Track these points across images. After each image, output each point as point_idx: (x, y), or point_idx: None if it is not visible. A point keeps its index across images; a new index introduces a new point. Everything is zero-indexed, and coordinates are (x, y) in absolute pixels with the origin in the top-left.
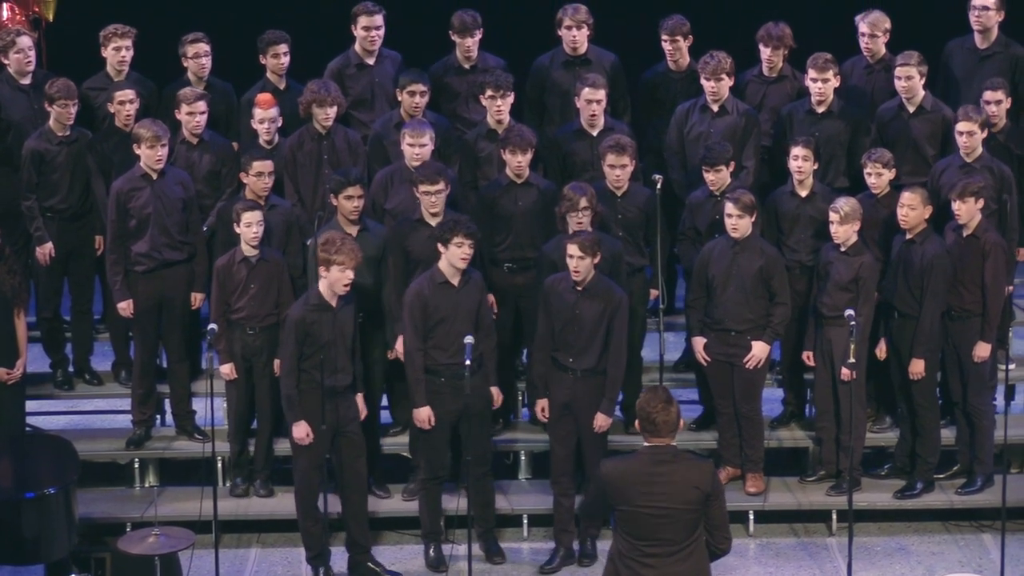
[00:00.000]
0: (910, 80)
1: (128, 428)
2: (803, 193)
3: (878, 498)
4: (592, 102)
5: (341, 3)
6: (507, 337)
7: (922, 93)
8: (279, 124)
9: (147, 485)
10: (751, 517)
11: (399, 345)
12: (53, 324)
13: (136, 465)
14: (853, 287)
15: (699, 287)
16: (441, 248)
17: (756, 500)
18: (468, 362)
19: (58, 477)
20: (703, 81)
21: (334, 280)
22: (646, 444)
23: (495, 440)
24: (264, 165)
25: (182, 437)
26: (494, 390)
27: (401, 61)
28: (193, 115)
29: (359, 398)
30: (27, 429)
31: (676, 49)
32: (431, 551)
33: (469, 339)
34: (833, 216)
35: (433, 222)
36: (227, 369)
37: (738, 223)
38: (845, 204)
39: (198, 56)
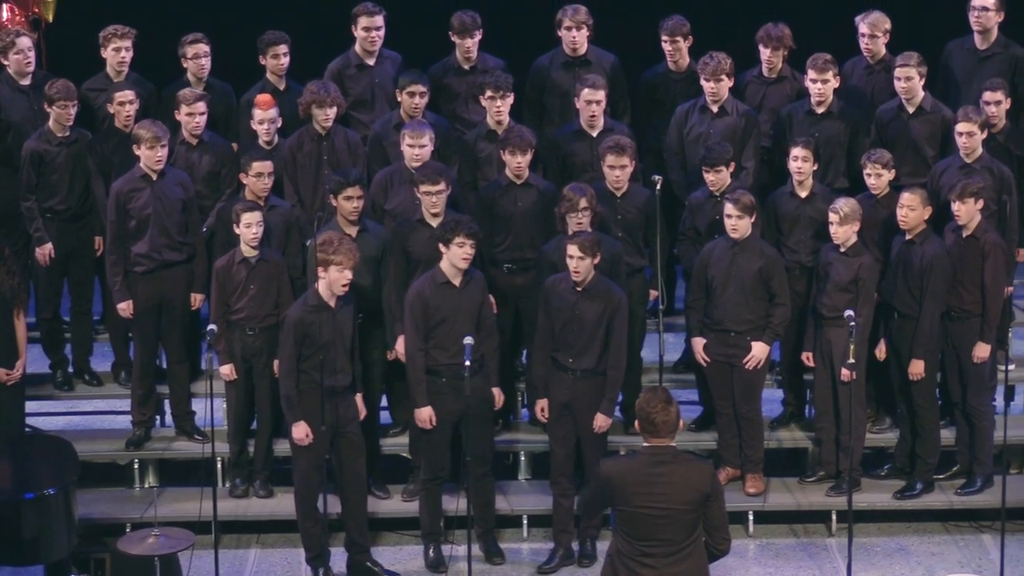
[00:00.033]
0: (910, 81)
1: (128, 429)
2: (803, 194)
3: (878, 499)
4: (592, 103)
5: (341, 4)
6: (507, 338)
7: (922, 94)
8: (279, 125)
9: (147, 486)
10: (751, 518)
11: (399, 346)
12: (53, 325)
13: (136, 466)
14: (853, 288)
15: (699, 288)
16: (443, 248)
17: (756, 501)
18: (468, 363)
19: (58, 478)
20: (703, 82)
21: (332, 280)
22: (645, 444)
23: (495, 440)
24: (264, 166)
25: (182, 438)
26: (496, 391)
27: (401, 62)
28: (193, 116)
29: (358, 398)
30: (27, 430)
31: (676, 50)
32: (431, 552)
33: (469, 340)
34: (833, 217)
35: (434, 223)
36: (227, 370)
37: (738, 224)
38: (845, 205)
39: (197, 57)
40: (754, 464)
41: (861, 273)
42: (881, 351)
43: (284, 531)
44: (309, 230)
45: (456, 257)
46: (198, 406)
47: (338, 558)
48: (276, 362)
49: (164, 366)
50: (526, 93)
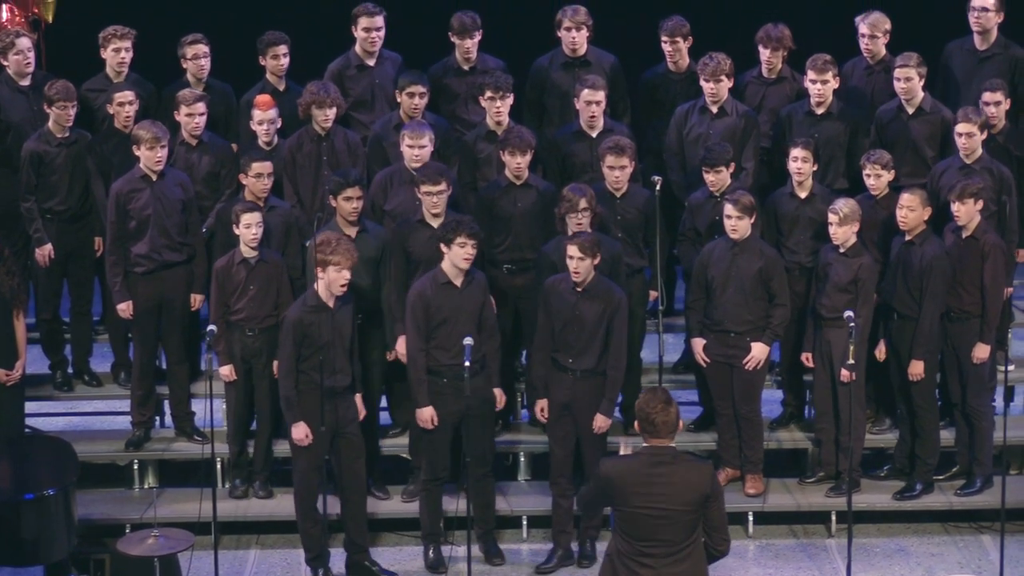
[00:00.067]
0: (909, 81)
1: (127, 429)
2: (802, 194)
3: (877, 499)
4: (591, 103)
5: (341, 4)
6: (506, 338)
7: (921, 94)
8: (278, 125)
9: (146, 486)
10: (750, 518)
11: (399, 346)
12: (52, 325)
13: (135, 466)
14: (852, 288)
15: (698, 288)
16: (444, 248)
17: (755, 501)
18: (468, 363)
19: (57, 478)
20: (702, 82)
21: (331, 280)
22: (645, 445)
23: (495, 441)
24: (263, 166)
25: (181, 438)
26: (497, 391)
27: (401, 62)
28: (192, 116)
29: (358, 399)
30: (26, 430)
31: (676, 50)
32: (430, 552)
33: (468, 340)
34: (832, 217)
35: (434, 223)
36: (226, 370)
37: (737, 224)
38: (844, 205)
39: (197, 57)
40: (754, 465)
41: (860, 274)
42: (881, 352)
43: (284, 532)
44: (309, 231)
45: (458, 257)
46: (198, 407)
47: (337, 559)
48: (276, 363)
49: (164, 367)
50: (526, 94)
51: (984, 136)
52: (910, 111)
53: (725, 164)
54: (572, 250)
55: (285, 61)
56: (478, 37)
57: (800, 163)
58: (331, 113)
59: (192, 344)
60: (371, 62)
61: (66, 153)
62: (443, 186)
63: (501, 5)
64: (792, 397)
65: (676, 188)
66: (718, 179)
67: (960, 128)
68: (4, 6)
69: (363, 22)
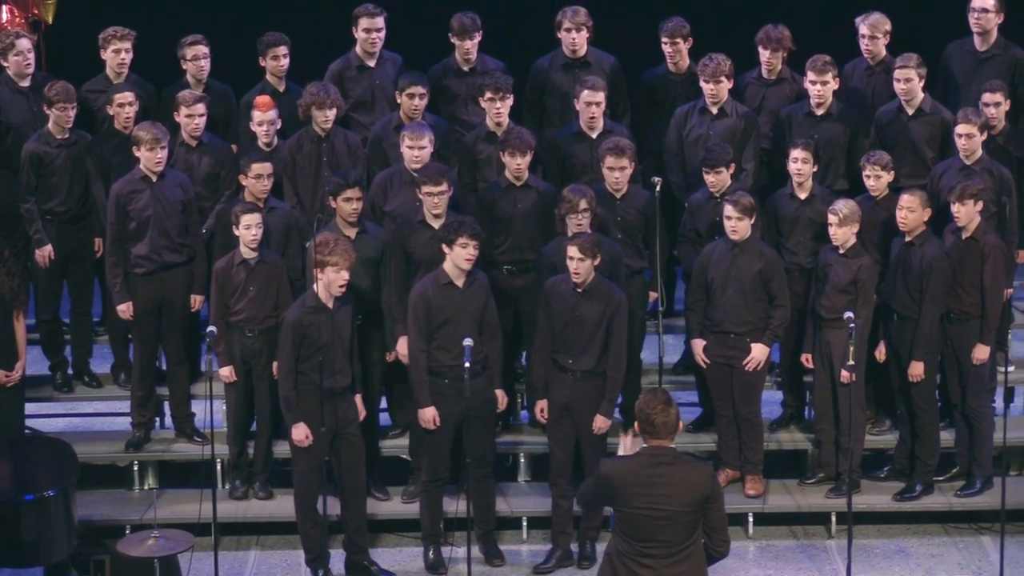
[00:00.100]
0: (909, 82)
1: (127, 430)
2: (802, 195)
3: (877, 500)
4: (591, 104)
5: (341, 5)
6: (506, 339)
7: (921, 95)
8: (278, 126)
9: (146, 487)
10: (750, 519)
11: (400, 347)
12: (52, 326)
13: (135, 467)
14: (852, 289)
15: (698, 289)
16: (446, 249)
17: (755, 502)
18: (468, 364)
19: (57, 479)
20: (702, 83)
21: (329, 281)
22: (644, 446)
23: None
24: (263, 167)
25: (181, 439)
26: (499, 392)
27: (402, 63)
28: (192, 117)
29: (358, 399)
30: (26, 431)
31: (676, 51)
32: (430, 553)
33: (468, 341)
34: (832, 218)
35: (435, 224)
36: (226, 371)
37: (737, 225)
38: (844, 206)
39: (197, 58)
40: (754, 466)
41: (860, 275)
42: (881, 353)
43: (284, 533)
44: (309, 232)
45: (459, 258)
46: (198, 408)
47: (337, 559)
48: (275, 364)
49: (164, 368)
50: (526, 95)
51: (984, 137)
52: (910, 112)
53: (725, 165)
54: (572, 251)
55: (285, 62)
56: (478, 38)
57: (800, 164)
58: (331, 114)
59: (192, 345)
60: (371, 63)
61: (66, 154)
62: (444, 187)
63: (501, 6)
64: (792, 398)
65: (676, 189)
66: (718, 180)
67: (960, 129)
68: (4, 7)
69: (364, 23)
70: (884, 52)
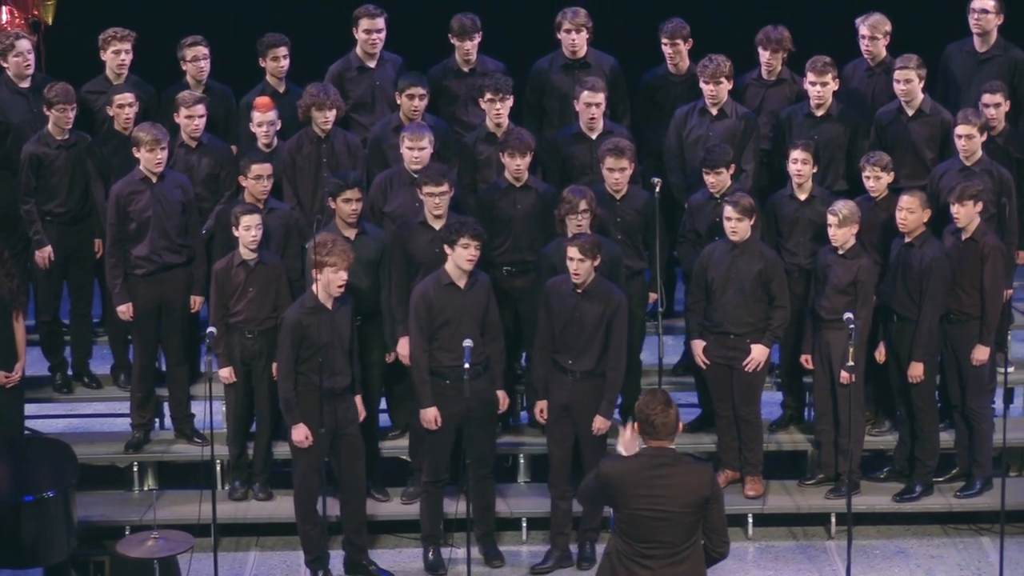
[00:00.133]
0: (909, 83)
1: (127, 431)
2: (802, 196)
3: (877, 501)
4: (591, 105)
5: (341, 6)
6: (506, 340)
7: (921, 96)
8: (278, 127)
9: (146, 488)
10: (750, 520)
11: (400, 348)
12: (52, 327)
13: (135, 468)
14: (851, 290)
15: (698, 290)
16: (447, 249)
17: (755, 503)
18: (467, 365)
19: (57, 480)
20: (702, 84)
21: (327, 282)
22: (644, 447)
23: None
24: (263, 168)
25: (181, 440)
26: (500, 393)
27: (402, 64)
28: (192, 118)
29: (358, 400)
30: (26, 432)
31: (676, 53)
32: (430, 554)
33: (468, 342)
34: (831, 219)
35: (436, 225)
36: (226, 372)
37: (737, 226)
38: (843, 207)
39: (197, 59)
40: (753, 467)
41: (860, 275)
42: (880, 354)
43: (283, 534)
44: (308, 233)
45: (461, 258)
46: (197, 409)
47: (337, 560)
48: (275, 365)
49: (163, 369)
50: (525, 96)
51: (984, 138)
52: (910, 113)
53: (725, 165)
54: (572, 252)
55: (285, 63)
56: (478, 39)
57: (800, 165)
58: (331, 115)
59: (192, 346)
60: (372, 64)
61: (66, 155)
62: (445, 187)
63: (501, 7)
64: (792, 399)
65: (676, 190)
66: (718, 180)
67: (960, 130)
68: (4, 8)
69: (364, 24)
70: (884, 53)
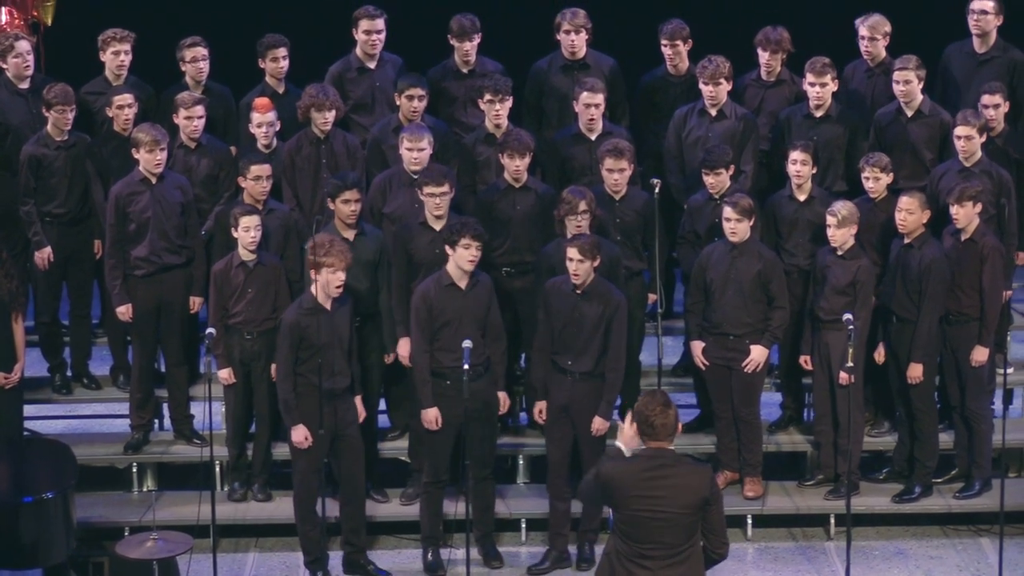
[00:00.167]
0: (908, 84)
1: (126, 432)
2: (801, 197)
3: (876, 502)
4: (590, 106)
5: (340, 6)
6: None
7: (920, 97)
8: (277, 128)
9: (145, 489)
10: (749, 521)
11: (400, 349)
12: (51, 328)
13: (134, 469)
14: (850, 291)
15: (697, 291)
16: (449, 250)
17: (754, 504)
18: (466, 366)
19: (56, 481)
20: (701, 85)
21: (325, 282)
22: (644, 448)
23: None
24: (262, 169)
25: (180, 441)
26: (501, 395)
27: (402, 65)
28: (191, 119)
29: (358, 400)
30: (25, 433)
31: (676, 54)
32: (429, 555)
33: (467, 343)
34: (830, 220)
35: (436, 226)
36: (225, 374)
37: (736, 227)
38: (842, 208)
39: (196, 60)
40: (753, 468)
41: (859, 276)
42: (880, 355)
43: (283, 535)
44: (307, 234)
45: (462, 259)
46: (196, 410)
47: (336, 561)
48: (273, 366)
49: (163, 370)
50: (525, 97)
51: (983, 139)
52: (909, 114)
53: (724, 166)
54: (572, 252)
55: (284, 64)
56: (477, 40)
57: (799, 166)
58: (330, 116)
59: (191, 347)
60: (372, 65)
61: (65, 156)
62: (446, 187)
63: (500, 8)
64: (791, 400)
65: (675, 191)
66: (717, 181)
67: (959, 131)
68: (3, 9)
69: (364, 25)
70: (884, 54)
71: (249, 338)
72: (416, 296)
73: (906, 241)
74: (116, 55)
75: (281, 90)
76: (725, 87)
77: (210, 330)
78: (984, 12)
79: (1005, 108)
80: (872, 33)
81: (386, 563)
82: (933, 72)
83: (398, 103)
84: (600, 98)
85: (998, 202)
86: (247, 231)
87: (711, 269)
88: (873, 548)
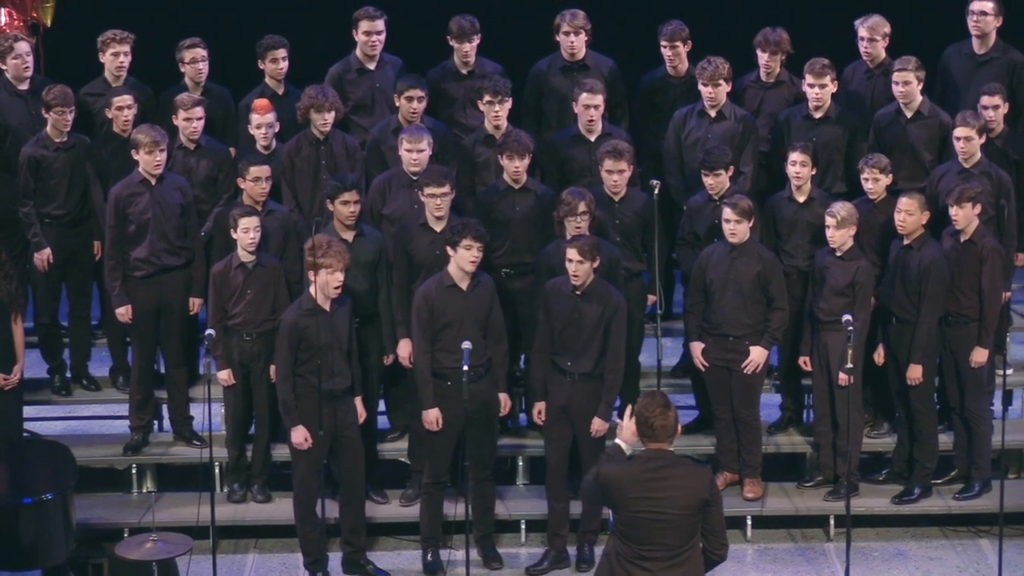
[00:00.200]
0: (907, 85)
1: (126, 433)
2: (801, 198)
3: (876, 503)
4: (590, 107)
5: (340, 7)
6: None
7: (920, 98)
8: (276, 129)
9: (145, 491)
10: (749, 522)
11: (400, 350)
12: (51, 330)
13: (134, 471)
14: (849, 292)
15: (697, 292)
16: (450, 251)
17: (754, 505)
18: (466, 368)
19: (56, 483)
20: (701, 86)
21: (324, 283)
22: (643, 449)
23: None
24: (261, 170)
25: (180, 443)
26: (502, 396)
27: (402, 66)
28: (190, 120)
29: (358, 401)
30: (24, 435)
31: (675, 55)
32: (429, 556)
33: (467, 345)
34: (829, 221)
35: (437, 227)
36: (225, 375)
37: (736, 228)
38: (841, 209)
39: (195, 61)
40: (752, 469)
41: (858, 277)
42: (879, 356)
43: (282, 536)
44: (307, 235)
45: (463, 260)
46: (196, 411)
47: (336, 562)
48: (273, 367)
49: (162, 371)
50: (524, 98)
51: (982, 140)
52: (908, 115)
53: (724, 167)
54: (571, 253)
55: (284, 65)
56: (477, 41)
57: (798, 167)
58: (329, 117)
59: (190, 348)
60: (371, 66)
61: (64, 157)
62: (447, 188)
63: (500, 9)
64: (790, 401)
65: (675, 192)
66: (717, 182)
67: (958, 132)
68: (3, 10)
69: (364, 26)
70: (883, 55)
71: (248, 339)
72: (417, 297)
73: (905, 242)
74: (115, 56)
75: (280, 91)
76: (724, 88)
77: (209, 331)
78: (983, 13)
79: (1004, 109)
80: (871, 34)
81: (386, 564)
82: (932, 73)
83: (397, 104)
84: (599, 99)
85: (997, 203)
86: (246, 232)
87: (710, 270)
88: (873, 549)
